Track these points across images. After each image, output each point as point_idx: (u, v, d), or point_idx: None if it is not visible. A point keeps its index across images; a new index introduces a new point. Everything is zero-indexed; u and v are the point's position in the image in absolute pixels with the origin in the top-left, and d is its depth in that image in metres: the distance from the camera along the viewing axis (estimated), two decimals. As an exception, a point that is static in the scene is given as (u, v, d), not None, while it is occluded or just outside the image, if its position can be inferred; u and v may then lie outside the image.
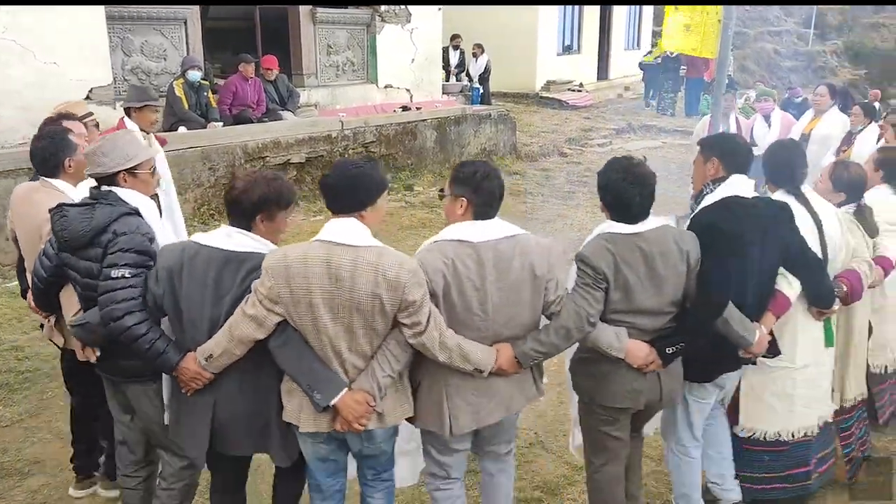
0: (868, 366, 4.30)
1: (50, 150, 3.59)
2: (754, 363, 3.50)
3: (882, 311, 4.37)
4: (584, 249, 3.04)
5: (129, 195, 3.17)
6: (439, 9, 13.41)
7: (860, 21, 34.04)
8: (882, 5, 32.03)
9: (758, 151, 7.88)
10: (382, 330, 2.80)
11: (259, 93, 9.96)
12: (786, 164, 3.66)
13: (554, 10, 20.04)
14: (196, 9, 9.85)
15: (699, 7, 6.31)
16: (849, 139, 7.11)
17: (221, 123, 9.35)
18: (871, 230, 4.00)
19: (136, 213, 3.13)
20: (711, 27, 6.70)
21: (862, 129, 7.03)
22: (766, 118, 8.43)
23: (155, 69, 9.47)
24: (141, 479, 3.44)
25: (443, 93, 14.19)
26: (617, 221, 3.07)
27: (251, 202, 2.88)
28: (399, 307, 2.74)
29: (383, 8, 12.18)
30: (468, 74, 16.01)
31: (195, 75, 8.89)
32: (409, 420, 3.04)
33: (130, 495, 3.46)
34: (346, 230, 2.77)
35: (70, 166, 3.61)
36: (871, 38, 33.12)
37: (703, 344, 3.23)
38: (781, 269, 3.42)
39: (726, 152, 3.40)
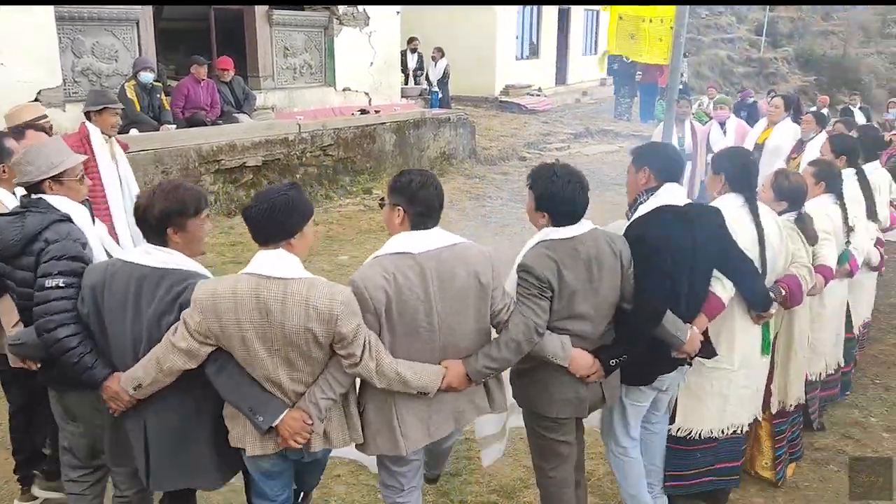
0: (805, 374, 4.38)
1: None
2: (689, 364, 3.54)
3: (819, 320, 4.48)
4: (526, 259, 3.02)
5: (59, 202, 3.13)
6: (398, 12, 13.38)
7: (810, 29, 34.93)
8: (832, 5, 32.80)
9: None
10: (322, 358, 2.77)
11: (213, 95, 9.81)
12: (744, 169, 3.72)
13: (513, 15, 20.16)
14: (149, 9, 9.67)
15: (643, 16, 6.48)
16: (800, 147, 7.22)
17: (174, 126, 9.19)
18: (811, 238, 4.07)
19: (68, 219, 3.08)
20: (663, 35, 6.84)
21: (813, 137, 7.13)
22: (722, 125, 8.55)
23: (106, 70, 9.26)
24: (87, 485, 3.36)
25: (402, 96, 14.15)
26: (557, 226, 3.08)
27: (155, 217, 2.81)
28: (333, 339, 2.71)
29: (341, 10, 12.11)
30: (427, 78, 16.01)
31: (147, 77, 8.72)
32: (360, 447, 3.01)
33: (76, 500, 3.37)
34: (274, 262, 2.70)
35: (4, 172, 3.57)
36: (821, 45, 34.01)
37: (639, 347, 3.29)
38: (716, 273, 3.47)
39: (657, 161, 3.40)
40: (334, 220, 9.65)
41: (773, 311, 3.68)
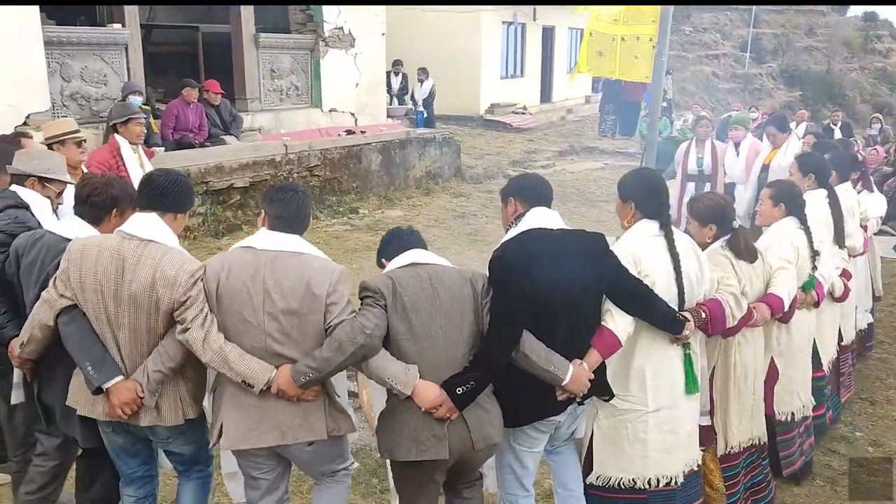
0: (774, 412, 4.16)
1: None
2: (581, 404, 3.23)
3: (787, 355, 4.19)
4: (366, 279, 3.02)
5: (27, 194, 3.60)
6: (383, 33, 13.56)
7: (794, 45, 35.32)
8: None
9: (728, 179, 8.12)
10: (161, 332, 2.94)
11: (201, 118, 9.94)
12: (654, 192, 3.43)
13: (497, 35, 20.40)
14: (137, 34, 9.80)
15: (609, 33, 6.66)
16: None
17: (163, 149, 9.30)
18: (748, 255, 3.76)
19: (25, 207, 3.50)
20: (639, 53, 7.01)
21: None
22: (737, 146, 8.14)
23: (95, 94, 9.37)
24: (25, 462, 3.53)
25: (387, 116, 14.31)
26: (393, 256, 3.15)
27: (108, 198, 3.20)
28: (174, 306, 2.86)
29: (327, 33, 12.27)
30: (413, 98, 16.18)
31: (136, 101, 8.82)
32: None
33: (16, 479, 3.58)
34: (144, 224, 2.95)
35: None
36: (805, 60, 34.39)
37: (513, 384, 3.06)
38: (610, 305, 3.21)
39: (518, 189, 3.33)
40: (321, 239, 9.75)
41: (687, 332, 3.31)
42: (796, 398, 4.27)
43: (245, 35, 11.15)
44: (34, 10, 8.25)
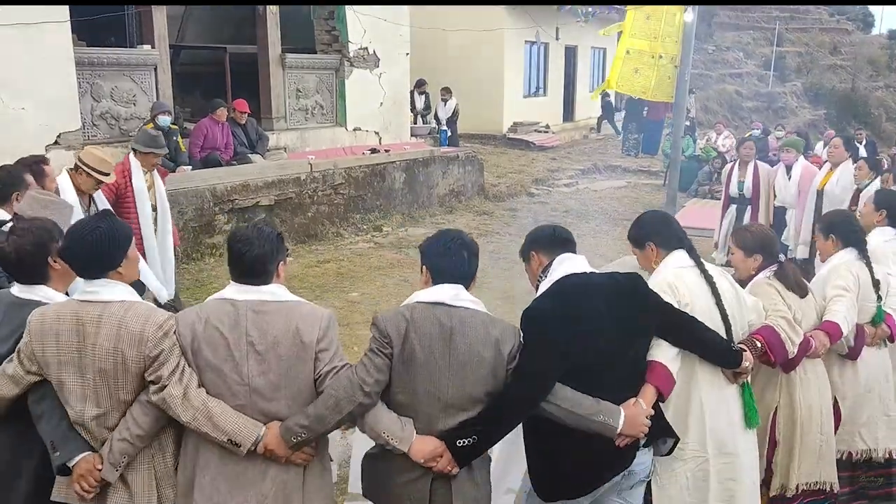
0: (853, 452, 3.92)
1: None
2: (646, 446, 2.93)
3: (853, 397, 3.91)
4: (381, 313, 2.76)
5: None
6: (407, 53, 13.69)
7: (818, 63, 35.11)
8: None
9: (778, 203, 7.96)
10: (129, 400, 2.65)
11: (228, 137, 10.08)
12: (665, 224, 3.36)
13: (520, 54, 20.49)
14: (166, 54, 9.98)
15: (648, 51, 6.60)
16: (856, 197, 6.66)
17: (191, 167, 9.43)
18: (799, 288, 3.64)
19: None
20: (666, 72, 6.99)
21: (868, 185, 6.64)
22: (789, 169, 7.89)
23: (124, 114, 9.54)
24: None
25: (411, 135, 14.40)
26: (435, 284, 2.78)
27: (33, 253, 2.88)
28: (144, 365, 2.59)
29: (352, 53, 12.41)
30: (437, 117, 16.29)
31: (165, 120, 8.98)
32: None
33: None
34: (98, 288, 2.65)
35: (17, 199, 4.00)
36: (830, 79, 34.14)
37: (556, 446, 2.80)
38: (656, 340, 3.02)
39: (536, 240, 3.14)
40: (345, 257, 9.81)
41: (746, 364, 3.15)
42: (856, 439, 3.96)
43: (272, 55, 11.31)
44: (66, 33, 8.43)
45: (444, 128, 16.00)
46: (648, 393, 2.91)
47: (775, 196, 7.91)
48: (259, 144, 10.59)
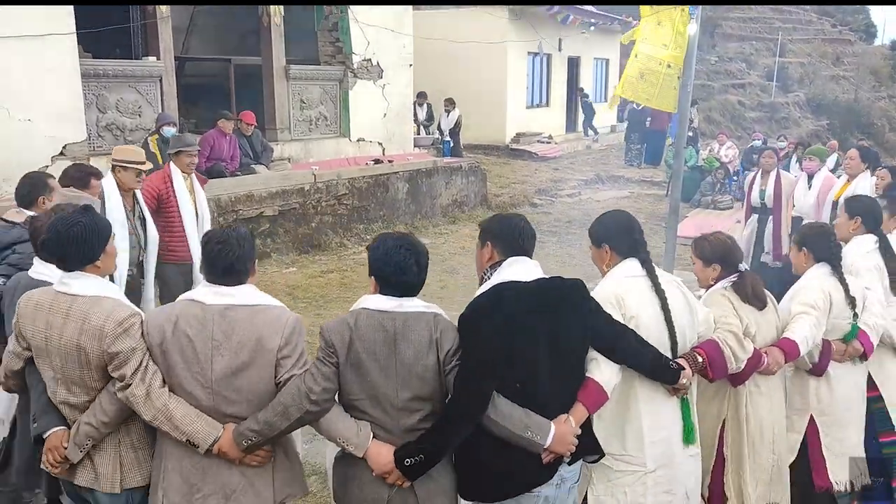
0: (830, 483, 3.70)
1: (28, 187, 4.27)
2: (569, 464, 2.91)
3: (831, 414, 3.75)
4: (327, 322, 2.77)
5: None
6: (410, 64, 13.76)
7: (821, 74, 35.17)
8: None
9: (795, 213, 7.79)
10: (97, 387, 2.76)
11: (234, 148, 10.13)
12: (626, 231, 3.23)
13: (523, 66, 20.57)
14: (171, 66, 10.05)
15: (656, 57, 6.58)
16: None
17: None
18: (756, 301, 3.52)
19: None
20: (671, 81, 7.00)
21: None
22: (810, 178, 7.73)
23: (130, 125, 9.59)
24: None
25: (414, 146, 14.46)
26: (383, 294, 2.77)
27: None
28: (105, 360, 2.68)
29: (356, 64, 12.48)
30: (440, 128, 16.35)
31: (170, 131, 9.01)
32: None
33: None
34: (72, 280, 2.77)
35: (44, 203, 4.19)
36: (833, 89, 34.20)
37: (489, 453, 2.80)
38: (594, 354, 2.96)
39: (498, 235, 3.00)
40: (349, 267, 9.84)
41: (684, 381, 3.07)
42: (842, 461, 3.75)
43: (276, 67, 11.38)
44: (73, 44, 8.50)
45: (448, 138, 16.07)
46: (579, 411, 2.88)
47: (794, 205, 7.81)
48: (264, 155, 10.64)
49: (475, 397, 2.72)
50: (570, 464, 2.91)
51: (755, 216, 8.04)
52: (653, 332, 3.05)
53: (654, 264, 3.21)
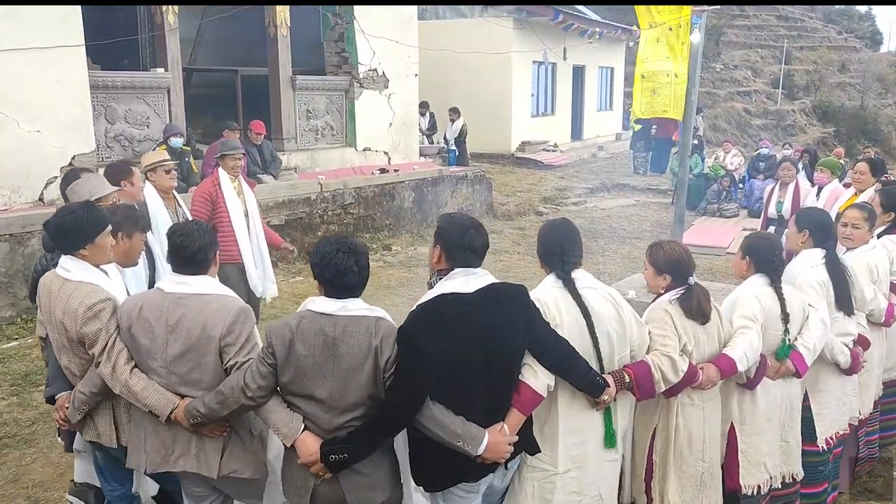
0: (740, 486, 3.74)
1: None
2: (505, 467, 3.10)
3: (751, 423, 3.76)
4: (271, 324, 2.87)
5: None
6: (416, 74, 13.83)
7: (827, 81, 35.19)
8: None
9: None
10: (85, 357, 3.14)
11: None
12: (557, 245, 3.28)
13: (528, 75, 20.64)
14: (179, 77, 10.13)
15: (662, 70, 6.68)
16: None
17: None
18: (700, 316, 3.48)
19: None
20: (681, 90, 7.07)
21: None
22: (820, 190, 7.55)
23: (138, 136, 9.68)
24: None
25: (420, 155, 14.52)
26: (327, 297, 2.84)
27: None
28: (79, 339, 3.06)
29: (361, 74, 12.56)
30: (445, 138, 16.42)
31: (177, 142, 9.10)
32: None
33: None
34: (66, 265, 3.15)
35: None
36: (838, 96, 34.21)
37: (430, 448, 2.91)
38: (529, 359, 3.04)
39: (447, 242, 3.00)
40: (355, 276, 9.85)
41: (605, 397, 3.14)
42: (763, 471, 3.79)
43: (282, 77, 11.46)
44: (81, 56, 8.59)
45: (453, 147, 16.12)
46: (514, 417, 2.99)
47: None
48: (272, 165, 10.69)
49: (405, 406, 2.82)
50: (506, 465, 3.07)
51: (772, 227, 7.98)
52: (575, 340, 3.11)
53: (593, 278, 3.30)
